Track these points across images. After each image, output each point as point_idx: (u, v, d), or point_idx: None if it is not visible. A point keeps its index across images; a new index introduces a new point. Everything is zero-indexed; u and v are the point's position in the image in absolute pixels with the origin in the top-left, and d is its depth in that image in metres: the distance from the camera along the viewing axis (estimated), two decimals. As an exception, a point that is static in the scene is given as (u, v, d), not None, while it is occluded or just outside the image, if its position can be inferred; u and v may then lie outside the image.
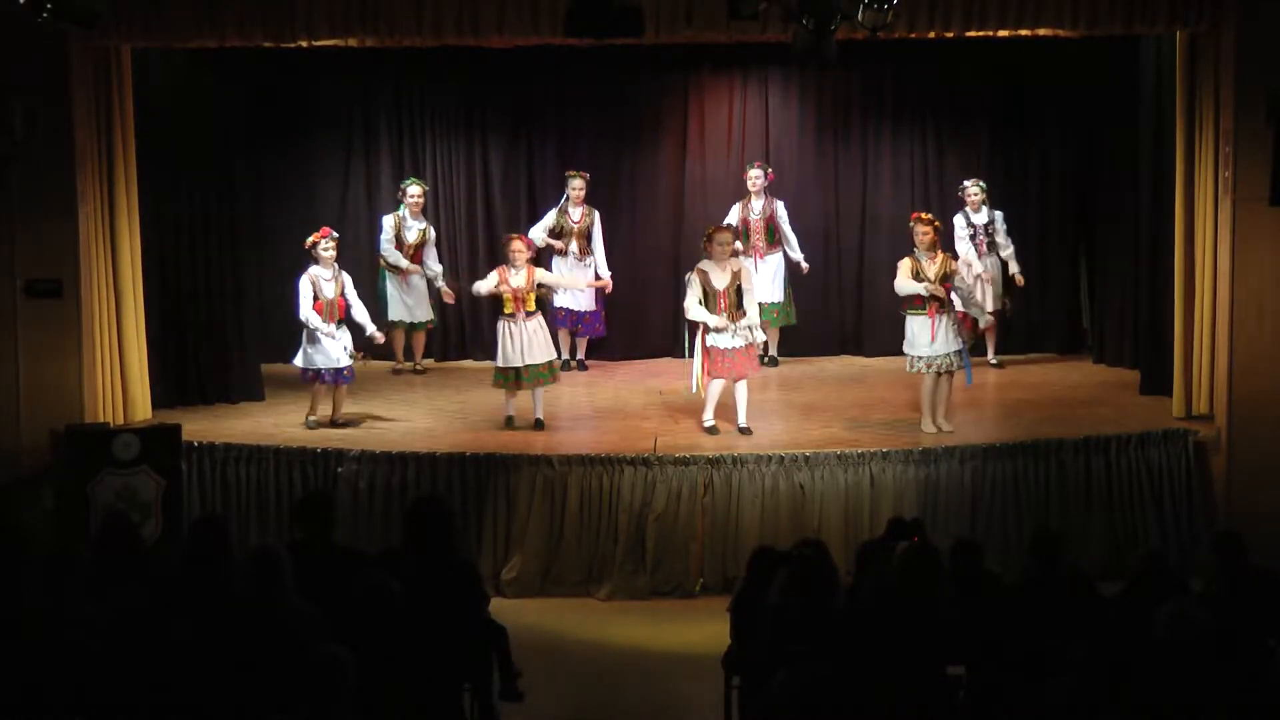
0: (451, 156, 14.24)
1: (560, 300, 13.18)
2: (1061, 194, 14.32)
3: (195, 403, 12.20)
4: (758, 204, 13.29)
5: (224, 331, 12.41)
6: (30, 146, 10.49)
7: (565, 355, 13.35)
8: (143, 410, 11.41)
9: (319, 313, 11.29)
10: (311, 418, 11.45)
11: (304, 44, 10.93)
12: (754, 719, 6.79)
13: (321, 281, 11.34)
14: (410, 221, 13.17)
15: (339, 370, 11.37)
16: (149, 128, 11.48)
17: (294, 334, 13.29)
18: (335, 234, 11.63)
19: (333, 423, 11.42)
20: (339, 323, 11.42)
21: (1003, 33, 10.89)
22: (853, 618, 6.47)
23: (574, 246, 13.22)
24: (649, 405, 12.18)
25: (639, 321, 14.23)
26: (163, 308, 12.03)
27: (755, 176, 13.31)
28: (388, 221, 13.22)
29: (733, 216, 13.26)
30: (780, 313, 13.50)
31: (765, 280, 13.17)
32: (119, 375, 11.24)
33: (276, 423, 11.67)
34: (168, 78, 11.94)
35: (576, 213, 13.31)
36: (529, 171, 14.31)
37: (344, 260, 12.05)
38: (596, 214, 13.38)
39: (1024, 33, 10.90)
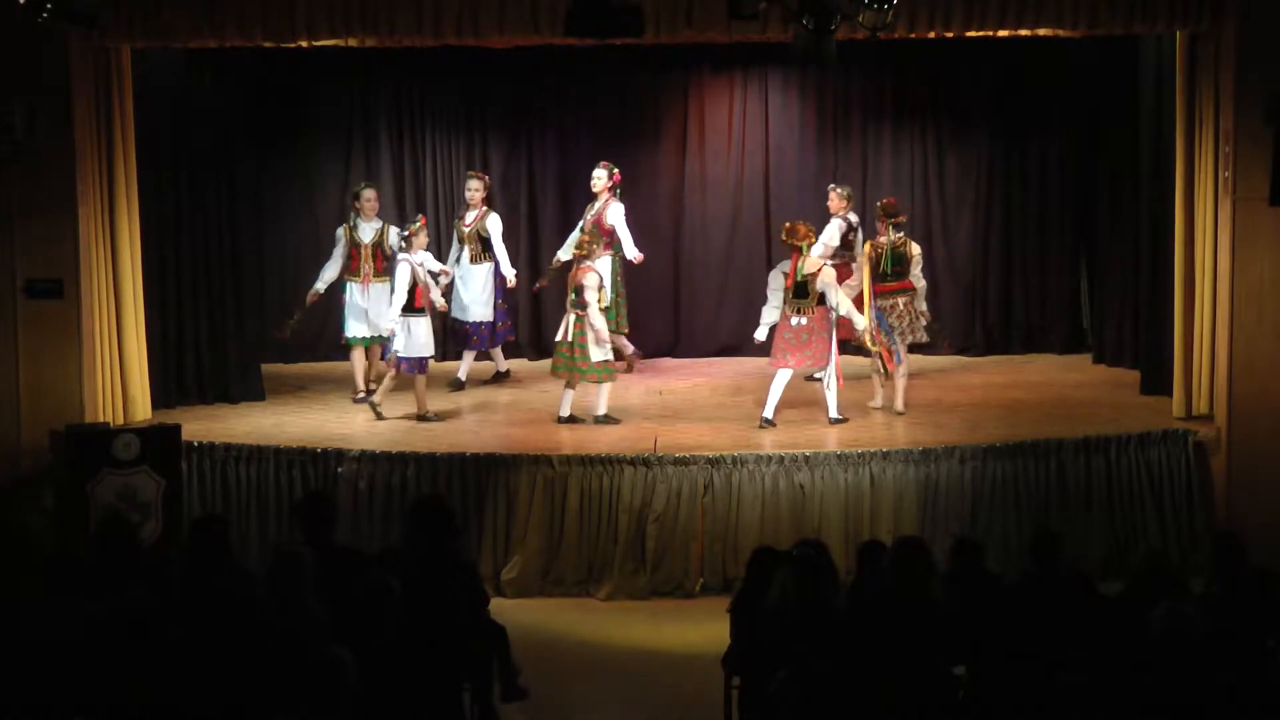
0: (451, 156, 14.25)
1: (454, 312, 12.76)
2: (1061, 194, 14.33)
3: (195, 403, 12.20)
4: (595, 205, 12.94)
5: (224, 331, 12.40)
6: (30, 146, 10.48)
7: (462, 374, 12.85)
8: (143, 410, 11.40)
9: (418, 298, 11.47)
10: (431, 412, 11.62)
11: (304, 44, 10.93)
12: (754, 719, 6.79)
13: (418, 268, 11.52)
14: (363, 224, 12.35)
15: (424, 359, 11.61)
16: (149, 128, 11.48)
17: (295, 334, 13.32)
18: None
19: (421, 416, 11.60)
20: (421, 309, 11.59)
21: (1003, 33, 10.89)
22: (853, 617, 6.48)
23: (466, 252, 12.68)
24: (649, 405, 12.18)
25: (639, 321, 14.21)
26: (163, 307, 12.03)
27: (598, 176, 12.94)
28: (339, 233, 12.47)
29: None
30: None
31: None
32: (119, 375, 11.23)
33: (276, 423, 11.67)
34: (168, 78, 11.94)
35: (470, 215, 12.74)
36: (529, 171, 14.32)
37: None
38: (495, 216, 12.83)
39: (1024, 33, 10.91)
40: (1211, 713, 5.47)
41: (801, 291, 11.21)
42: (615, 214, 12.88)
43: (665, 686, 8.88)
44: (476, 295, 12.66)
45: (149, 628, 5.90)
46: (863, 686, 5.84)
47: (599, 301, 11.37)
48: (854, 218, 12.84)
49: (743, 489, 10.44)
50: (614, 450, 10.63)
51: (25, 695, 5.73)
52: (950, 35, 10.87)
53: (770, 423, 11.22)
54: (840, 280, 11.90)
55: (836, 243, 12.74)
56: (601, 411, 11.46)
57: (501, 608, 8.72)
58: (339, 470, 10.59)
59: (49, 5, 8.84)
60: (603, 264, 12.88)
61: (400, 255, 11.63)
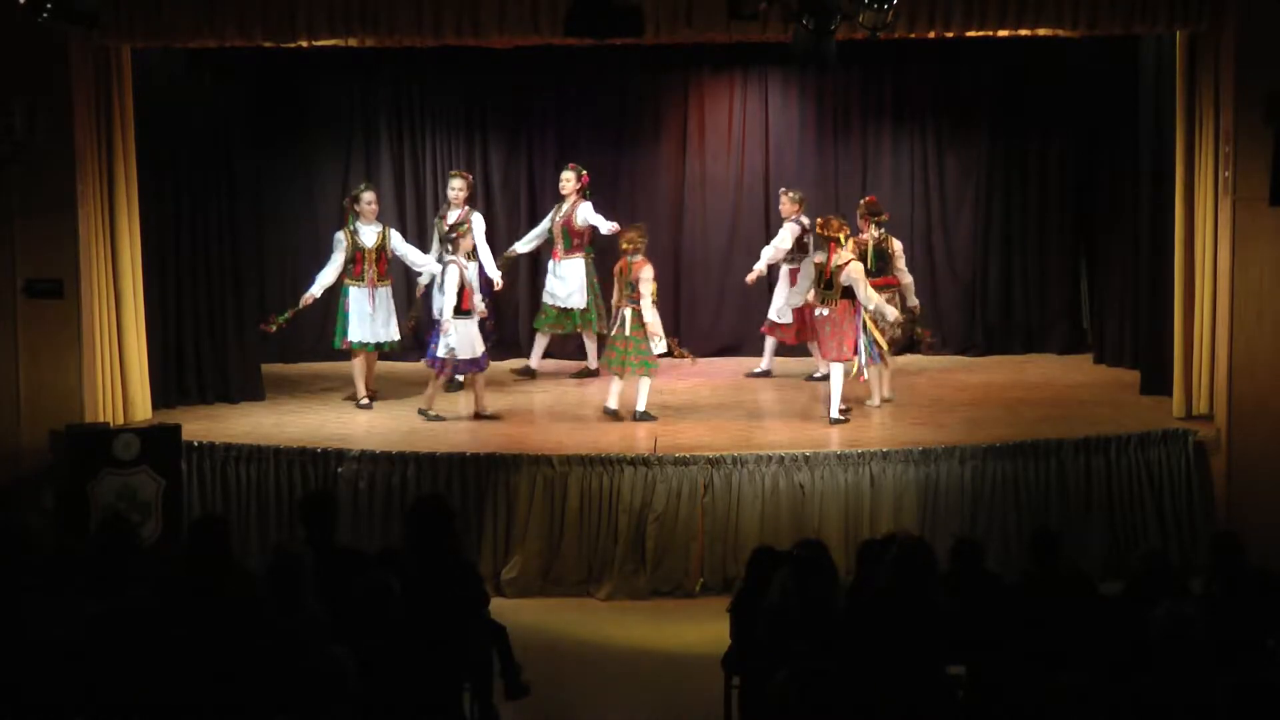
0: (451, 156, 14.24)
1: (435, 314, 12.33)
2: (1061, 194, 14.33)
3: (195, 403, 12.20)
4: (564, 206, 12.90)
5: (224, 331, 12.40)
6: (30, 146, 10.47)
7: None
8: (143, 410, 11.41)
9: (465, 300, 11.45)
10: (431, 410, 11.62)
11: (304, 44, 10.93)
12: (754, 719, 6.79)
13: (463, 270, 11.51)
14: (364, 228, 12.01)
15: (476, 359, 11.61)
16: (149, 128, 11.48)
17: (294, 334, 13.31)
18: None
19: (478, 414, 11.62)
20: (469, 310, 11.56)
21: (1003, 33, 10.89)
22: (853, 617, 6.47)
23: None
24: (649, 405, 12.17)
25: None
26: (162, 307, 12.03)
27: (567, 179, 12.89)
28: (339, 238, 12.08)
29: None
30: (580, 319, 12.96)
31: (563, 285, 12.85)
32: (119, 375, 11.23)
33: (276, 422, 11.67)
34: (168, 78, 11.94)
35: (453, 215, 12.48)
36: (529, 171, 14.31)
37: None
38: (477, 216, 12.72)
39: (1024, 33, 10.91)
40: (1211, 713, 5.47)
41: (827, 284, 11.41)
42: (585, 212, 12.84)
43: (665, 686, 8.88)
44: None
45: (149, 628, 5.90)
46: (862, 686, 5.83)
47: (650, 296, 11.40)
48: (806, 221, 12.92)
49: (743, 489, 10.43)
50: (614, 450, 10.63)
51: (25, 695, 5.73)
52: (950, 35, 10.87)
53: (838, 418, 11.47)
54: (792, 283, 12.36)
55: (788, 245, 12.92)
56: (641, 408, 11.53)
57: (501, 608, 8.71)
58: (339, 470, 10.59)
59: (49, 5, 8.82)
60: (576, 265, 12.89)
61: (447, 258, 11.59)
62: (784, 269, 12.96)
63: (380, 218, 12.43)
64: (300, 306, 12.14)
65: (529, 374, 13.26)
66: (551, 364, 13.61)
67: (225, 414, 12.00)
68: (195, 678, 5.77)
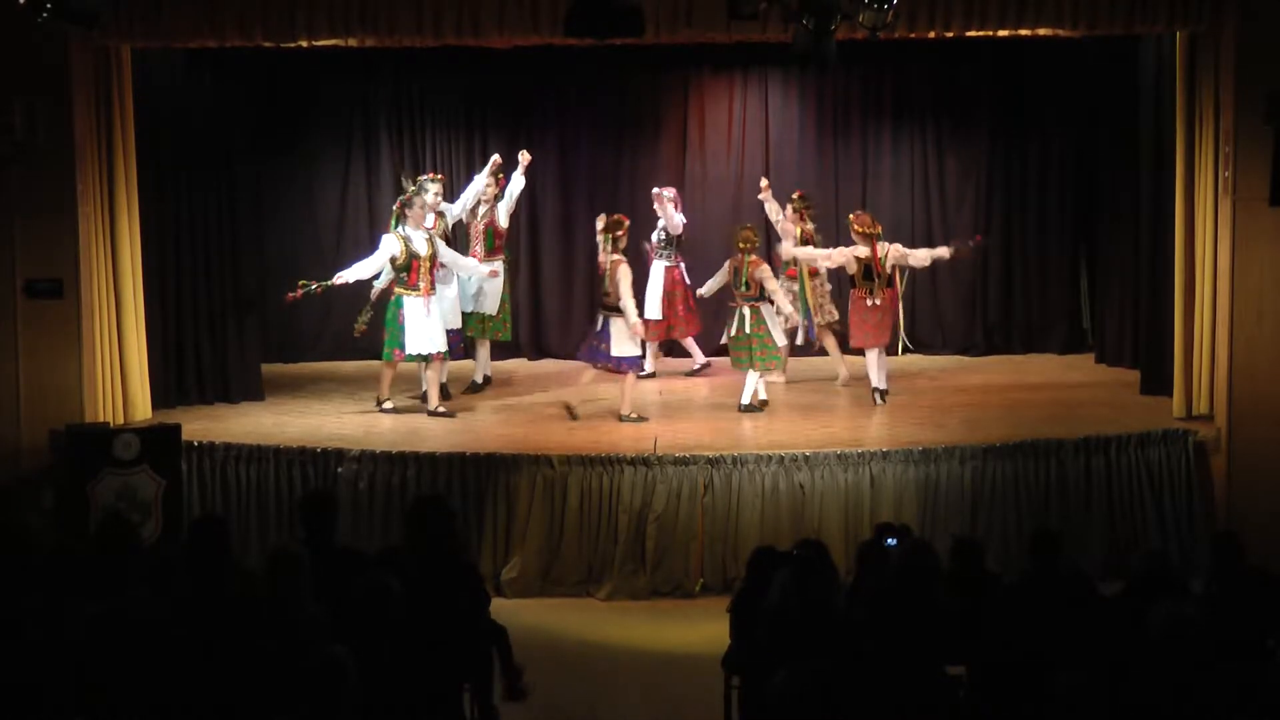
0: (451, 155, 14.27)
1: None
2: (1061, 193, 14.35)
3: (195, 403, 12.21)
4: (481, 210, 12.68)
5: (224, 331, 12.41)
6: (30, 146, 10.48)
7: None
8: (143, 410, 11.41)
9: None
10: (632, 413, 11.58)
11: (304, 44, 10.94)
12: (754, 719, 6.79)
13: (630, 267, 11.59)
14: (414, 233, 11.55)
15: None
16: (149, 128, 11.49)
17: (295, 334, 13.31)
18: None
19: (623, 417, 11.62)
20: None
21: (1003, 33, 10.90)
22: (853, 618, 6.47)
23: None
24: (649, 405, 12.18)
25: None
26: (162, 307, 12.03)
27: (489, 184, 12.68)
28: (389, 243, 11.56)
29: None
30: (497, 326, 12.75)
31: (482, 292, 12.58)
32: (119, 375, 11.24)
33: (276, 422, 11.68)
34: (168, 78, 11.95)
35: (430, 219, 12.01)
36: (529, 171, 14.29)
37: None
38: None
39: (1024, 32, 10.91)
40: (1211, 713, 5.47)
41: (872, 275, 11.89)
42: (505, 209, 12.70)
43: (665, 686, 8.87)
44: (451, 303, 12.37)
45: (149, 628, 5.90)
46: (863, 686, 5.83)
47: (779, 290, 11.80)
48: (683, 218, 13.13)
49: (743, 489, 10.43)
50: (614, 450, 10.63)
51: (25, 695, 5.72)
52: (950, 35, 10.87)
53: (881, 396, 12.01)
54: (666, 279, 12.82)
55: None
56: (762, 396, 11.94)
57: (501, 608, 8.68)
58: (339, 470, 10.59)
59: (49, 5, 8.82)
60: (496, 269, 12.71)
61: (614, 257, 11.43)
62: (659, 266, 13.05)
63: (381, 220, 12.40)
64: (331, 284, 11.58)
65: (485, 383, 12.95)
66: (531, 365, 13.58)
67: (225, 414, 12.00)
68: (195, 677, 5.77)
